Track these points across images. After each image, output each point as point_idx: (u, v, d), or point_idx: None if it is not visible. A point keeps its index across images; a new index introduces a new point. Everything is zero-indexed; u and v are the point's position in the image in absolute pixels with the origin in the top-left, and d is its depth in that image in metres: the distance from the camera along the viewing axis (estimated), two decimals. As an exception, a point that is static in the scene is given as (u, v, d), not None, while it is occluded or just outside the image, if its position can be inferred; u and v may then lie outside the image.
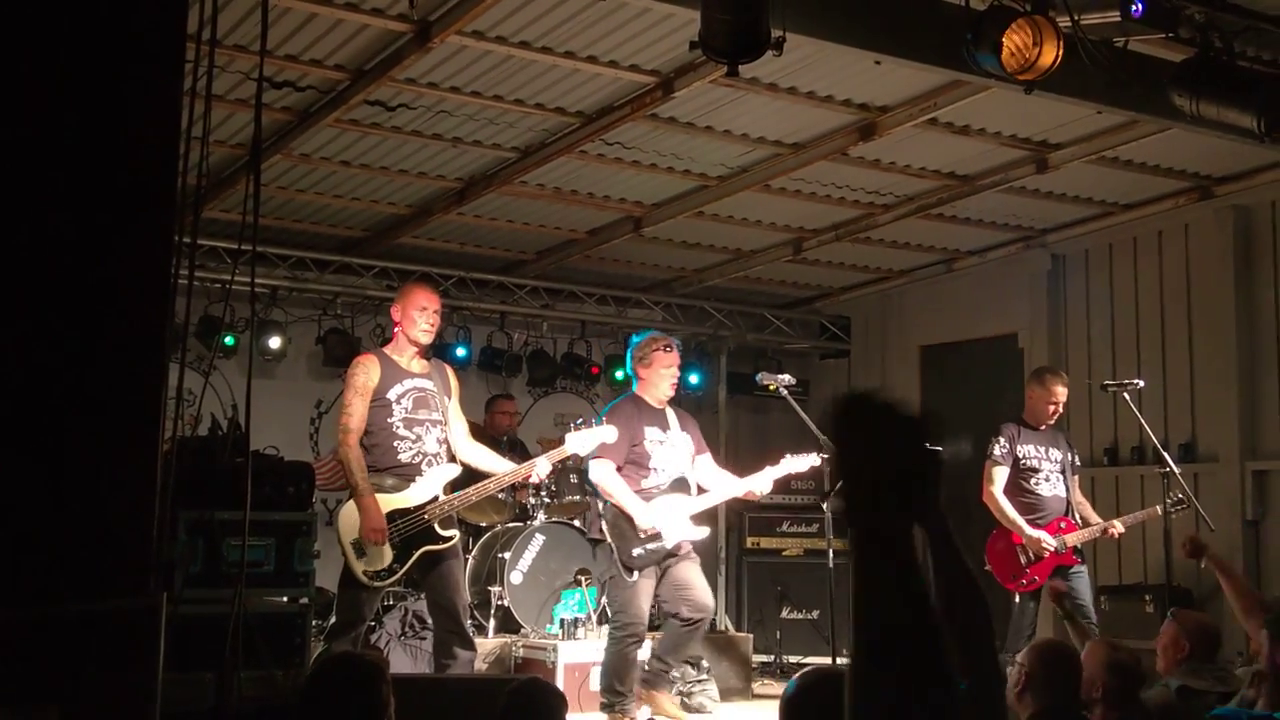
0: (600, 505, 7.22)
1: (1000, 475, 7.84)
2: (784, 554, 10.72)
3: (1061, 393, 7.97)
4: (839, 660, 7.33)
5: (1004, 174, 8.88)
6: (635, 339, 7.41)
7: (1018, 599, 7.74)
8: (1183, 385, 9.79)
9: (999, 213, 10.00)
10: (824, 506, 7.03)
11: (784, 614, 10.54)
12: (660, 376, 7.18)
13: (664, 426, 7.19)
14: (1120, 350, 10.16)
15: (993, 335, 11.24)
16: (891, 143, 8.24)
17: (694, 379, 12.24)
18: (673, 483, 7.11)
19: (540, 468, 6.78)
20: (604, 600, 7.19)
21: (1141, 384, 8.08)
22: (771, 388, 7.22)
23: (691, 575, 7.10)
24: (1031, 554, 7.73)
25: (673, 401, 7.34)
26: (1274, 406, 9.31)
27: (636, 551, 6.93)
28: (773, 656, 10.34)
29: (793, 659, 10.20)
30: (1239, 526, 9.20)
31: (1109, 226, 10.13)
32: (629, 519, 6.95)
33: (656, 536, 6.95)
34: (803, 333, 12.86)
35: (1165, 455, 7.66)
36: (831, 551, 7.18)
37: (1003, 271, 11.03)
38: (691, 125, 8.06)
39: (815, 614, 10.42)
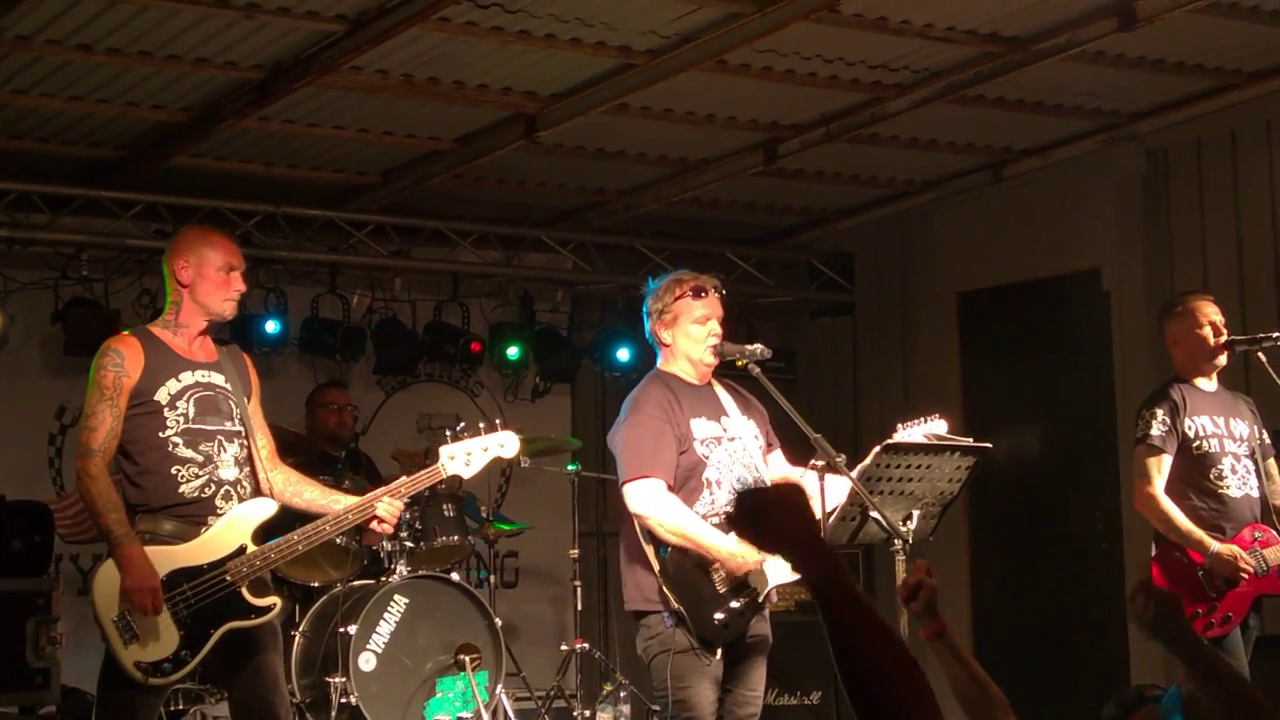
0: (650, 551, 6.81)
1: (1162, 467, 7.76)
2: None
3: (1213, 310, 7.93)
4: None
5: (1073, 33, 8.90)
6: (651, 285, 7.19)
7: None
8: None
9: (1068, 91, 10.04)
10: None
11: (769, 698, 10.53)
12: (692, 337, 7.00)
13: (717, 413, 7.02)
14: (1252, 288, 10.22)
15: (1064, 273, 11.31)
16: (905, -11, 8.33)
17: (624, 355, 12.23)
18: None
19: (381, 511, 6.65)
20: (658, 691, 6.94)
21: (1285, 338, 8.10)
22: (740, 363, 7.16)
23: (759, 674, 7.01)
24: (1222, 580, 7.66)
25: (666, 381, 7.10)
26: None
27: (720, 615, 6.73)
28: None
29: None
30: None
31: (1230, 106, 10.18)
32: (703, 566, 6.73)
33: (744, 585, 6.77)
34: (785, 280, 12.89)
35: (1323, 445, 7.72)
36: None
37: (1076, 178, 11.08)
38: (607, -28, 8.12)
39: (815, 697, 10.43)
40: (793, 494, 3.11)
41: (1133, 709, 4.12)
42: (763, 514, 3.07)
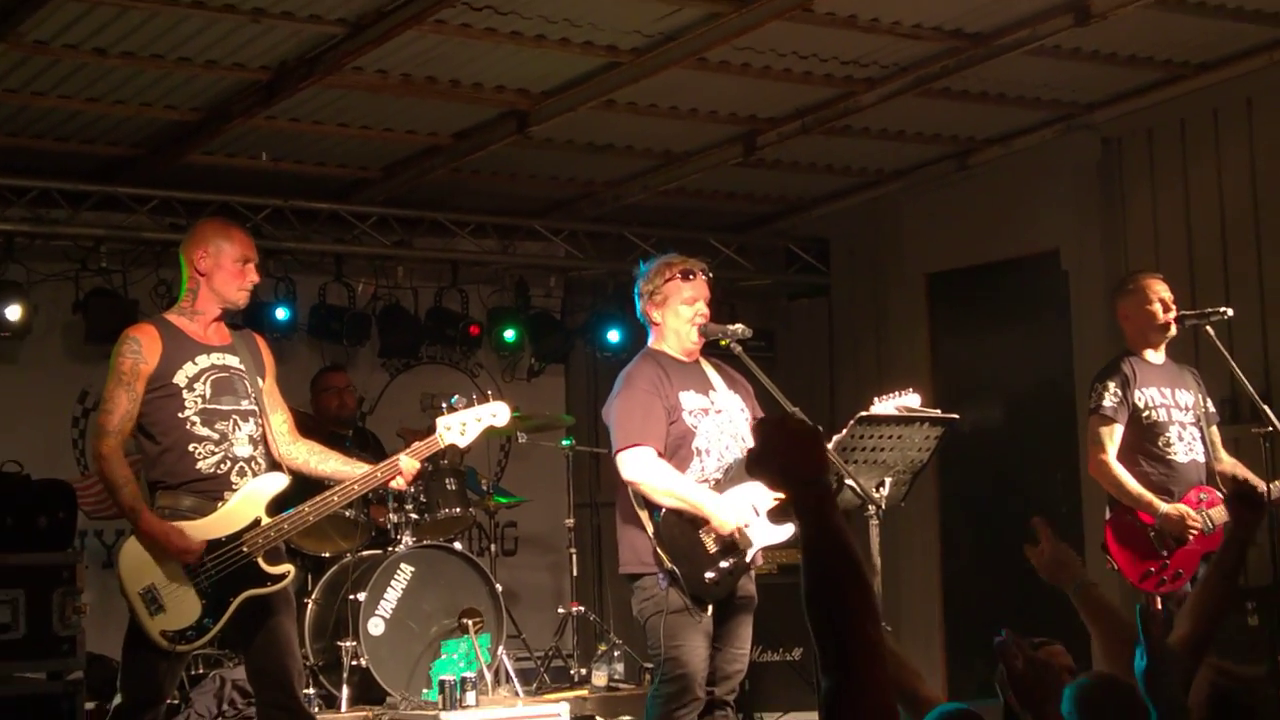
0: (644, 515, 6.95)
1: (1114, 435, 7.90)
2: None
3: (1162, 288, 8.05)
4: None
5: (1032, 28, 8.93)
6: (643, 268, 7.33)
7: (1159, 603, 7.69)
8: (1289, 312, 9.92)
9: (1027, 83, 10.06)
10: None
11: (754, 655, 10.58)
12: (679, 316, 7.15)
13: (705, 388, 7.19)
14: (1201, 267, 10.23)
15: (1025, 254, 11.33)
16: (873, -11, 8.33)
17: (614, 336, 12.31)
18: (736, 468, 6.98)
19: (404, 466, 6.77)
20: (649, 645, 7.05)
21: (1230, 313, 8.13)
22: (723, 343, 7.23)
23: (746, 632, 7.16)
24: (1171, 539, 7.78)
25: (657, 358, 7.18)
26: None
27: (710, 574, 6.87)
28: (739, 716, 10.40)
29: (769, 718, 10.29)
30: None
31: (1179, 96, 10.21)
32: (693, 526, 6.87)
33: (733, 546, 6.91)
34: (764, 264, 12.95)
35: (1266, 410, 7.74)
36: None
37: (1036, 165, 11.10)
38: (593, -24, 8.15)
39: (797, 653, 10.51)
40: (812, 433, 3.15)
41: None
42: (784, 444, 3.10)
